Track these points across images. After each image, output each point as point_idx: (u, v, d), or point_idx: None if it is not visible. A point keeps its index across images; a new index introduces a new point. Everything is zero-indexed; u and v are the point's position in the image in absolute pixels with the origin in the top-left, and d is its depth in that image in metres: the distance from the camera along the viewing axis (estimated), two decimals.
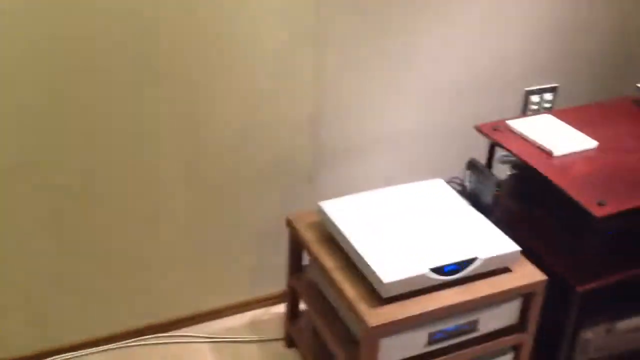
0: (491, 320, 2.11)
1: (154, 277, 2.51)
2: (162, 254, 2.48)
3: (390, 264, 1.99)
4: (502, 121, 2.47)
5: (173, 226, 2.45)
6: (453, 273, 2.02)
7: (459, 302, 2.00)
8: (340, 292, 2.04)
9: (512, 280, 2.08)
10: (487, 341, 2.13)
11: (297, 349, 2.53)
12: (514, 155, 2.30)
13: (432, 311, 1.96)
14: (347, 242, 2.09)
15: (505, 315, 2.13)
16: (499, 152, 2.46)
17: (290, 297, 2.46)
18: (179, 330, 2.62)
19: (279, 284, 2.67)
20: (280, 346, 2.56)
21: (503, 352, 2.22)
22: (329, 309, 2.22)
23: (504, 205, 2.43)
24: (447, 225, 2.17)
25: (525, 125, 2.43)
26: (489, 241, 2.11)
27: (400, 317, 1.93)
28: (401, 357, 2.02)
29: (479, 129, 2.43)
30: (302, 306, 2.51)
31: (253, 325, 2.66)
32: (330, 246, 2.18)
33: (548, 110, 2.95)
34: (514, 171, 2.52)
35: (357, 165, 2.66)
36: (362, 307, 1.95)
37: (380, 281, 1.94)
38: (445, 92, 2.72)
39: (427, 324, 2.01)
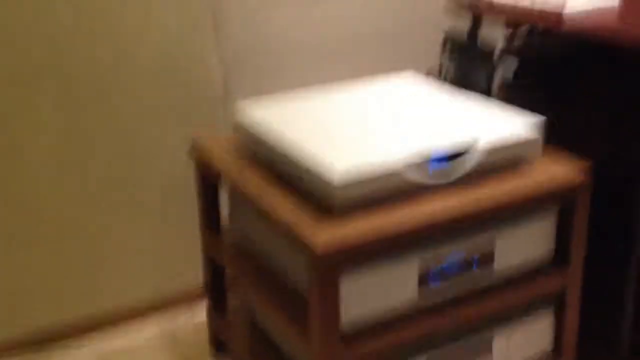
0: (513, 250, 1.34)
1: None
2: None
3: (344, 160, 1.23)
4: None
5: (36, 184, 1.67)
6: (443, 172, 1.27)
7: (459, 213, 1.24)
8: (271, 216, 1.27)
9: (539, 179, 1.33)
10: (511, 287, 1.35)
11: (229, 353, 1.72)
12: (519, 19, 1.59)
13: (416, 225, 1.20)
14: (279, 143, 1.34)
15: (533, 239, 1.36)
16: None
17: (210, 272, 1.66)
18: (56, 346, 1.77)
19: (198, 274, 1.86)
20: (205, 354, 1.75)
21: (538, 306, 1.42)
22: (267, 274, 1.43)
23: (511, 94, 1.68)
24: (430, 113, 1.44)
25: None
26: (495, 121, 1.37)
27: (366, 235, 1.16)
28: (378, 312, 1.24)
29: (454, 6, 1.73)
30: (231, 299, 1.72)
31: (164, 335, 1.85)
32: (256, 167, 1.42)
33: None
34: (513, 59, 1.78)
35: (286, 76, 1.91)
36: (305, 227, 1.19)
37: (329, 183, 1.19)
38: None
39: (413, 253, 1.24)
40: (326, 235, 1.16)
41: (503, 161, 1.33)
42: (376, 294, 1.22)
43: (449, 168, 1.28)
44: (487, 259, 1.31)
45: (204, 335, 1.75)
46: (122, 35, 1.69)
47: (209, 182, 1.57)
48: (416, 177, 1.25)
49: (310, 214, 1.22)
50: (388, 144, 1.29)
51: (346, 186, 1.18)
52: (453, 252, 1.27)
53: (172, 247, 1.88)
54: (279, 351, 1.50)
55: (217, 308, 1.68)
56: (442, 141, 1.28)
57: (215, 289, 1.67)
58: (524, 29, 1.64)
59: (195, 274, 1.84)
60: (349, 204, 1.20)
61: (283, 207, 1.26)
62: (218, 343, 1.71)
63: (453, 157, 1.27)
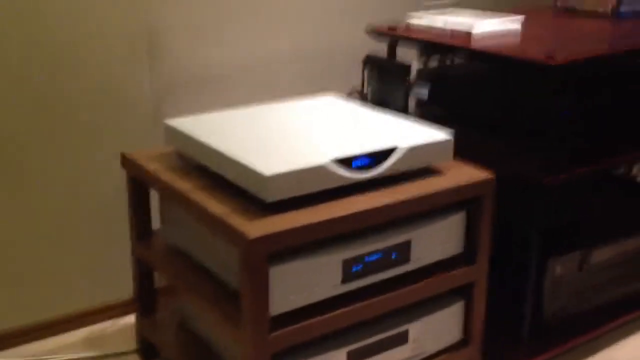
0: (427, 245, 1.47)
1: None
2: None
3: (275, 158, 1.34)
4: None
5: None
6: (365, 169, 1.39)
7: (377, 207, 1.35)
8: (204, 215, 1.35)
9: (448, 181, 1.47)
10: (424, 277, 1.47)
11: (158, 358, 1.77)
12: (427, 42, 1.75)
13: (340, 218, 1.31)
14: (208, 150, 1.43)
15: (445, 236, 1.49)
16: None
17: (139, 276, 1.72)
18: None
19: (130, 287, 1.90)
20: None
21: (449, 299, 1.56)
22: (198, 273, 1.50)
23: (424, 109, 1.84)
24: (352, 124, 1.56)
25: (428, 19, 1.90)
26: (410, 132, 1.50)
27: (293, 226, 1.26)
28: (305, 298, 1.33)
29: (373, 30, 1.88)
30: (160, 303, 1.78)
31: (92, 341, 1.88)
32: (187, 173, 1.51)
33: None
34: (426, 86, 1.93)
35: (214, 101, 2.01)
36: (237, 220, 1.28)
37: (261, 176, 1.28)
38: (318, 9, 2.15)
39: (338, 246, 1.35)
40: (257, 224, 1.25)
41: (418, 164, 1.46)
42: (303, 280, 1.32)
43: (370, 165, 1.39)
44: (404, 251, 1.43)
45: (133, 341, 1.80)
46: (60, 54, 1.75)
47: (140, 189, 1.64)
48: (341, 173, 1.36)
49: (241, 208, 1.32)
50: (315, 146, 1.40)
51: (277, 179, 1.28)
52: (375, 247, 1.38)
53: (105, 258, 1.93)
54: (209, 351, 1.58)
55: (146, 312, 1.74)
56: (364, 143, 1.41)
57: (145, 293, 1.72)
58: (436, 56, 1.81)
59: (127, 285, 1.89)
60: (280, 196, 1.30)
61: (215, 204, 1.35)
62: (147, 348, 1.76)
63: (374, 156, 1.39)
